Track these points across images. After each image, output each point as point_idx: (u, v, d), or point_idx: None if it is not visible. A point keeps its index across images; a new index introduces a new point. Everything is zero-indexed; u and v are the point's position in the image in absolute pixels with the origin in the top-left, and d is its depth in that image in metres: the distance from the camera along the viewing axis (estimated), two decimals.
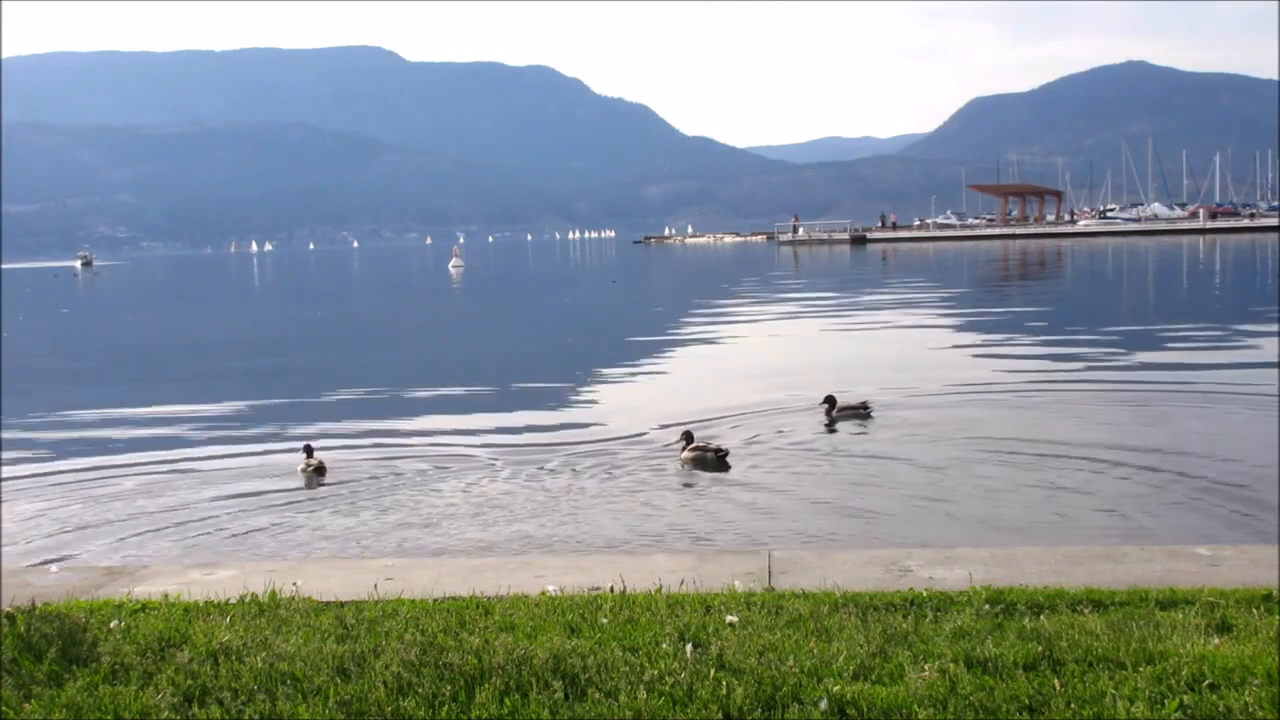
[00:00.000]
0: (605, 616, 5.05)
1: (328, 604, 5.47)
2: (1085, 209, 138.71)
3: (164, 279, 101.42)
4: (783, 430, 12.87)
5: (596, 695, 4.06)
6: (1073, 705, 3.89)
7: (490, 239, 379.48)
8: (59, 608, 5.43)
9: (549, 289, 55.08)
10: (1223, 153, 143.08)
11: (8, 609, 5.16)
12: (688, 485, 10.41)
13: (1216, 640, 4.52)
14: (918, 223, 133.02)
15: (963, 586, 5.48)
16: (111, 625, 5.09)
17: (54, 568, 7.17)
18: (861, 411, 13.38)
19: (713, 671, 4.24)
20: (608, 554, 7.77)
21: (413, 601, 5.48)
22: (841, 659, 4.37)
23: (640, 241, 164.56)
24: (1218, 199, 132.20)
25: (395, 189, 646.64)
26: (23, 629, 4.84)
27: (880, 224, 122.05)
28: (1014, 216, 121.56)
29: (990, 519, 8.89)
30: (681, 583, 5.77)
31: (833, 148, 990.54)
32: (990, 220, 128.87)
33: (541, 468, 11.25)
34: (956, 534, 8.38)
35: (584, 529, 8.94)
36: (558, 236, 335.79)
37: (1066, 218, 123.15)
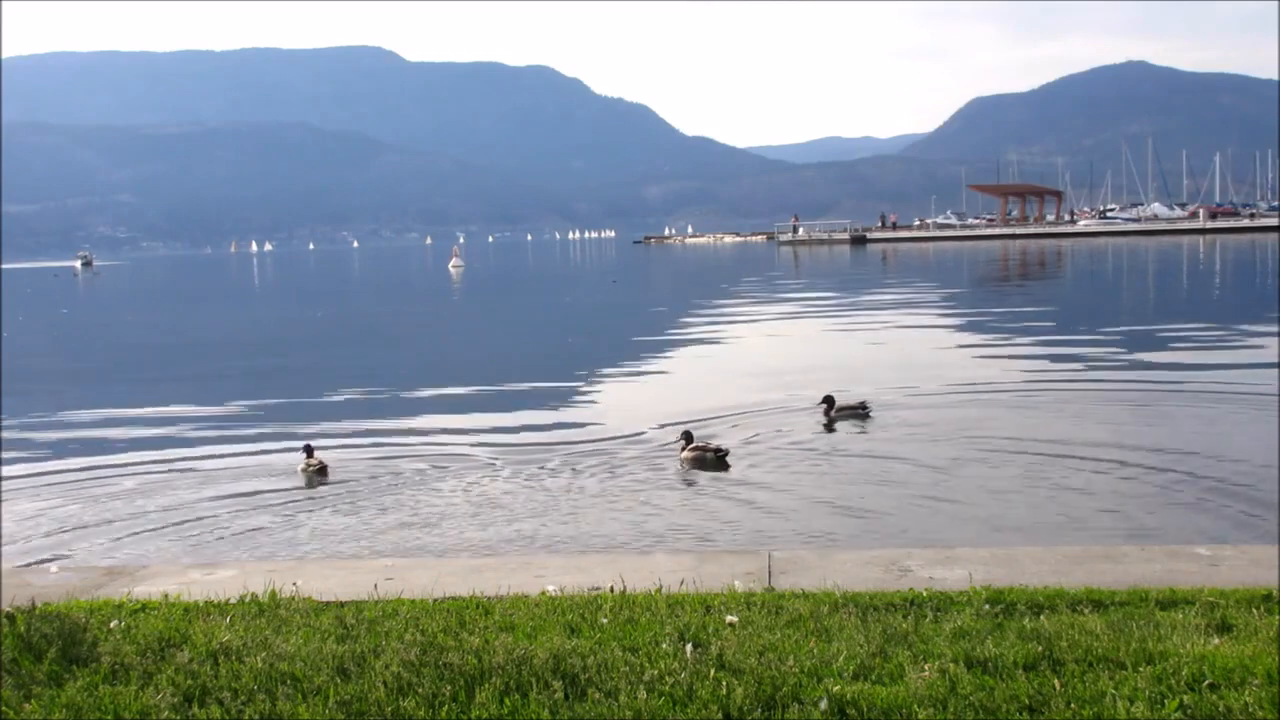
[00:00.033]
0: (605, 616, 5.05)
1: (328, 604, 5.47)
2: (1085, 209, 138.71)
3: (164, 279, 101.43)
4: (782, 430, 12.87)
5: (596, 695, 4.06)
6: (1073, 705, 3.89)
7: (490, 239, 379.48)
8: (59, 608, 5.43)
9: (549, 289, 55.08)
10: (1223, 153, 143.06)
11: (8, 609, 5.16)
12: (687, 485, 10.41)
13: (1216, 640, 4.52)
14: (918, 223, 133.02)
15: (963, 586, 5.48)
16: (111, 625, 5.09)
17: (54, 568, 7.17)
18: (860, 411, 13.39)
19: (713, 671, 4.24)
20: (608, 554, 7.77)
21: (413, 601, 5.48)
22: (841, 659, 4.37)
23: (640, 241, 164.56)
24: (1218, 199, 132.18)
25: (395, 189, 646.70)
26: (23, 629, 4.84)
27: (880, 224, 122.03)
28: (1014, 216, 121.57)
29: (990, 519, 8.89)
30: (681, 583, 5.77)
31: (833, 148, 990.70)
32: (990, 220, 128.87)
33: (541, 467, 11.26)
34: (956, 534, 8.38)
35: (584, 529, 8.94)
36: (558, 236, 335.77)
37: (1066, 218, 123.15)
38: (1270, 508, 8.76)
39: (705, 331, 26.79)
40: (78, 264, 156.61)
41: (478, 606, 5.34)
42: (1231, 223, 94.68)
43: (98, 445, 13.63)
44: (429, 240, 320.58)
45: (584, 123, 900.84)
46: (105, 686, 4.28)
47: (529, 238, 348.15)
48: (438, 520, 9.34)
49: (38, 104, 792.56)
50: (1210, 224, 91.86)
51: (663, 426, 13.06)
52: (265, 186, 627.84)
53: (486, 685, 4.15)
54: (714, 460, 11.10)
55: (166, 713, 4.03)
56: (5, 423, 15.43)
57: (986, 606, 5.07)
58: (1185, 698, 3.91)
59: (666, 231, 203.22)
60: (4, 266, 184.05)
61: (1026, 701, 3.94)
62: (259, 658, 4.51)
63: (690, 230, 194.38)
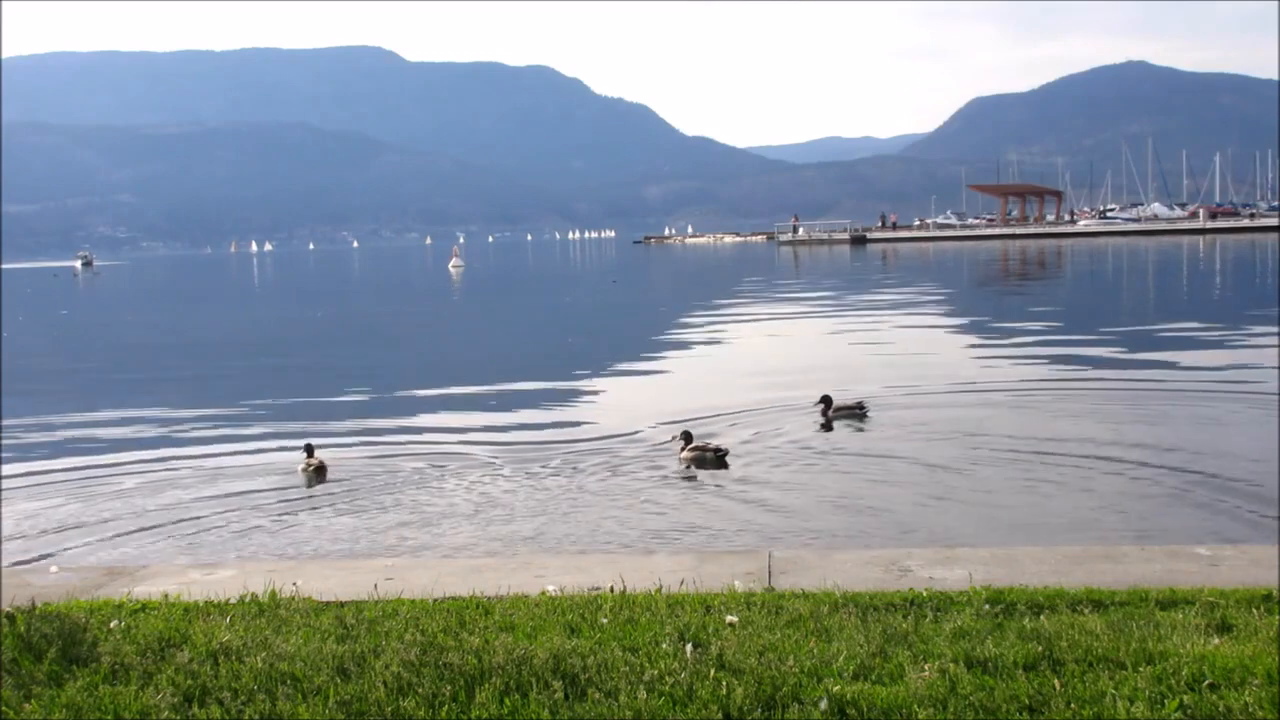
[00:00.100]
0: (605, 616, 5.05)
1: (328, 604, 5.48)
2: (1085, 209, 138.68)
3: (164, 279, 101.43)
4: (780, 430, 12.88)
5: (596, 695, 4.06)
6: (1073, 705, 3.89)
7: (490, 239, 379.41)
8: (59, 608, 5.43)
9: (549, 289, 55.09)
10: (1223, 153, 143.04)
11: (8, 609, 5.16)
12: (687, 484, 10.41)
13: (1216, 640, 4.53)
14: (918, 223, 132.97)
15: (963, 586, 5.48)
16: (111, 625, 5.09)
17: (54, 568, 7.16)
18: (858, 411, 13.40)
19: (713, 671, 4.24)
20: (608, 554, 7.77)
21: (413, 601, 5.48)
22: (841, 659, 4.37)
23: (640, 241, 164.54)
24: (1218, 199, 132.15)
25: (395, 189, 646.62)
26: (23, 629, 4.84)
27: (880, 224, 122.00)
28: (1014, 216, 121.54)
29: (989, 518, 8.89)
30: (681, 583, 5.77)
31: (833, 148, 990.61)
32: (990, 220, 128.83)
33: (542, 467, 11.26)
34: (956, 533, 8.38)
35: (584, 528, 8.94)
36: (558, 236, 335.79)
37: (1066, 218, 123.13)
38: (1270, 506, 8.76)
39: (705, 331, 26.79)
40: (78, 264, 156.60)
41: (478, 606, 5.34)
42: (1231, 223, 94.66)
43: (97, 445, 13.63)
44: (429, 240, 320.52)
45: (584, 123, 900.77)
46: (105, 686, 4.28)
47: (529, 238, 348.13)
48: (438, 520, 9.34)
49: (38, 104, 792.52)
50: (1210, 224, 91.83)
51: (660, 424, 13.06)
52: (265, 186, 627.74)
53: (486, 685, 4.15)
54: (713, 460, 11.11)
55: (166, 713, 4.03)
56: (5, 423, 15.43)
57: (986, 606, 5.07)
58: (1185, 698, 3.91)
59: (666, 231, 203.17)
60: (4, 266, 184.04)
61: (1026, 701, 3.94)
62: (259, 658, 4.51)
63: (690, 230, 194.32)
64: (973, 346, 22.04)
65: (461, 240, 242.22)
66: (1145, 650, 4.37)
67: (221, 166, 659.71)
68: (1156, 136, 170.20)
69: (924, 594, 5.31)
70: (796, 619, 4.96)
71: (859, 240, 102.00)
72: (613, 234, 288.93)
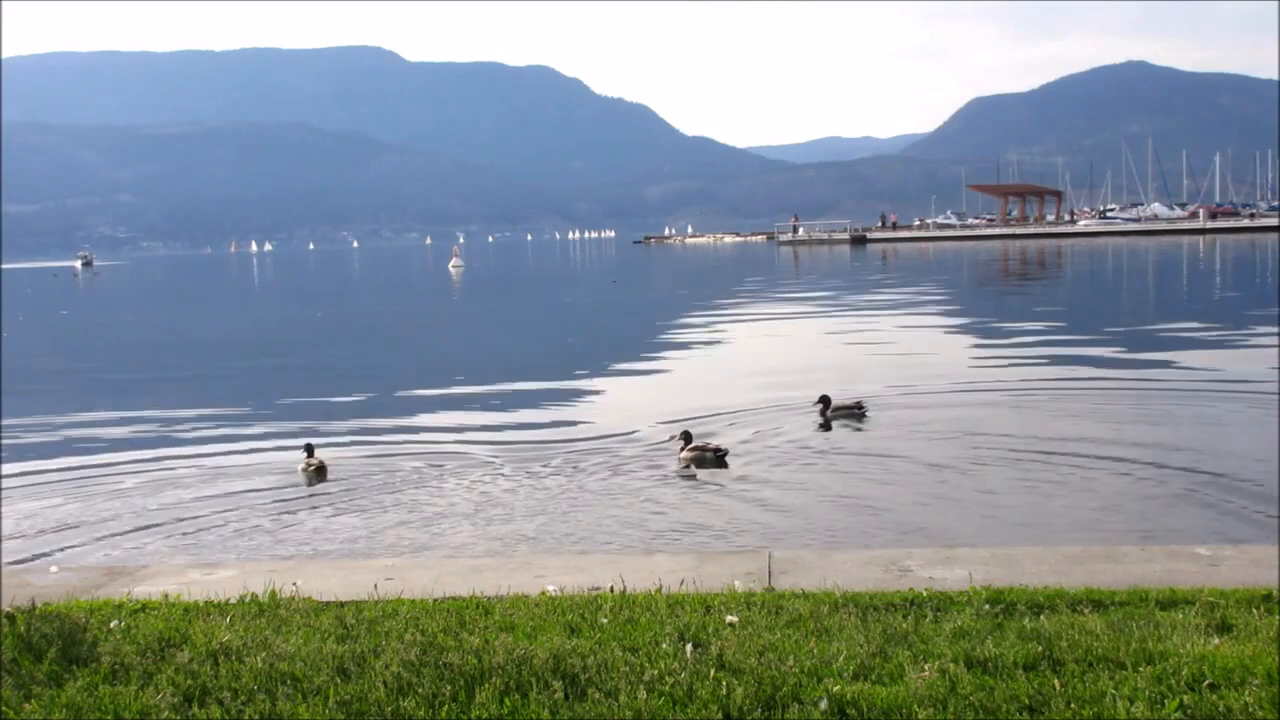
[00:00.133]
0: (605, 616, 5.05)
1: (328, 604, 5.47)
2: (1085, 209, 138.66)
3: (164, 279, 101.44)
4: (779, 430, 12.88)
5: (596, 695, 4.06)
6: (1073, 705, 3.89)
7: (490, 239, 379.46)
8: (59, 608, 5.43)
9: (549, 289, 55.09)
10: (1223, 153, 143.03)
11: (8, 609, 5.16)
12: (687, 484, 10.41)
13: (1216, 640, 4.52)
14: (918, 223, 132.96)
15: (963, 586, 5.48)
16: (111, 625, 5.09)
17: (54, 568, 7.16)
18: (856, 411, 13.40)
19: (713, 671, 4.24)
20: (607, 554, 7.77)
21: (413, 601, 5.48)
22: (841, 659, 4.37)
23: (640, 241, 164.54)
24: (1218, 199, 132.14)
25: (395, 189, 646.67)
26: (23, 629, 4.84)
27: (880, 224, 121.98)
28: (1014, 216, 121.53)
29: (990, 518, 8.89)
30: (681, 583, 5.77)
31: (833, 148, 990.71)
32: (990, 220, 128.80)
33: (542, 466, 11.26)
34: (956, 533, 8.38)
35: (584, 528, 8.94)
36: (558, 236, 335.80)
37: (1066, 218, 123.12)
38: (1271, 506, 8.76)
39: (705, 331, 26.79)
40: (78, 264, 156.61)
41: (478, 606, 5.34)
42: (1231, 223, 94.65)
43: (97, 445, 13.63)
44: (429, 240, 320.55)
45: (584, 123, 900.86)
46: (105, 686, 4.28)
47: (529, 238, 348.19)
48: (437, 520, 9.34)
49: (38, 104, 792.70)
50: (1210, 224, 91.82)
51: (660, 423, 13.06)
52: (265, 186, 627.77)
53: (486, 685, 4.15)
54: (713, 459, 11.11)
55: (166, 713, 4.03)
56: (5, 423, 15.43)
57: (986, 606, 5.07)
58: (1185, 698, 3.91)
59: (666, 231, 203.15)
60: (4, 266, 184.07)
61: (1026, 701, 3.94)
62: (259, 658, 4.51)
63: (690, 230, 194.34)
64: (972, 346, 22.03)
65: (461, 240, 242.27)
66: (1145, 650, 4.37)
67: (221, 166, 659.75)
68: (1156, 136, 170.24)
69: (924, 594, 5.31)
70: (796, 619, 4.96)
71: (859, 240, 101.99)
72: (613, 234, 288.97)
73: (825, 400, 13.36)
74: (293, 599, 5.56)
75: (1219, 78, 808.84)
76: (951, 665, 4.25)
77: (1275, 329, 21.78)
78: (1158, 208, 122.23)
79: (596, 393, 17.32)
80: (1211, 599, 5.12)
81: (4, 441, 13.91)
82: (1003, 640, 4.55)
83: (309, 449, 11.39)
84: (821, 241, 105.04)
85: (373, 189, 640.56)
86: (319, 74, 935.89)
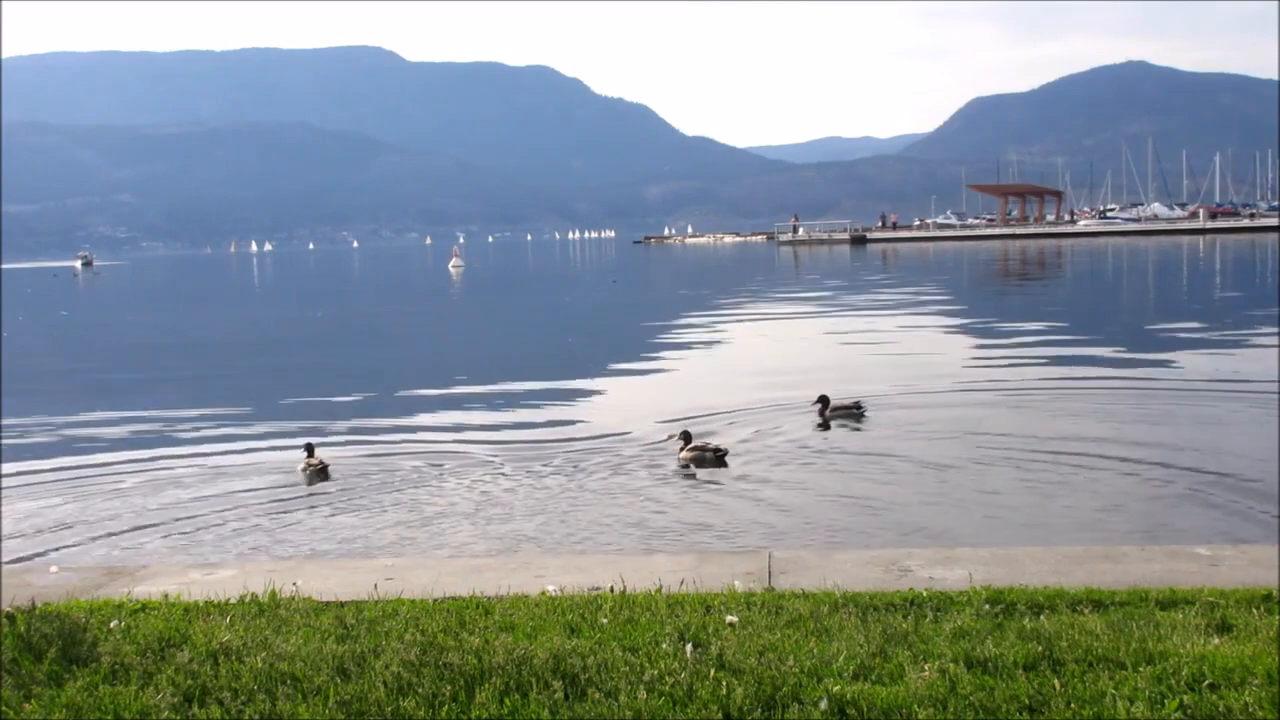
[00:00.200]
0: (605, 616, 5.05)
1: (328, 604, 5.47)
2: (1085, 209, 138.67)
3: (164, 279, 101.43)
4: (779, 429, 12.89)
5: (596, 695, 4.06)
6: (1073, 705, 3.89)
7: (490, 239, 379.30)
8: (59, 608, 5.43)
9: (549, 289, 55.08)
10: (1223, 153, 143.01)
11: (8, 609, 5.16)
12: (687, 484, 10.41)
13: (1216, 640, 4.52)
14: (918, 223, 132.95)
15: (963, 586, 5.48)
16: (111, 625, 5.09)
17: (54, 568, 7.16)
18: (855, 411, 13.41)
19: (713, 671, 4.23)
20: (607, 554, 7.77)
21: (413, 601, 5.48)
22: (841, 659, 4.36)
23: (640, 241, 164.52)
24: (1218, 199, 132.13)
25: (395, 189, 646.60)
26: (23, 629, 4.84)
27: (880, 224, 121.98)
28: (1014, 216, 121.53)
29: (989, 518, 8.89)
30: (681, 583, 5.77)
31: (833, 148, 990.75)
32: (990, 220, 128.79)
33: (542, 466, 11.26)
34: (956, 533, 8.38)
35: (584, 528, 8.94)
36: (557, 236, 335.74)
37: (1066, 218, 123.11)
38: (1271, 506, 8.76)
39: (704, 331, 26.79)
40: (78, 264, 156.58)
41: (478, 606, 5.34)
42: (1231, 223, 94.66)
43: (97, 445, 13.63)
44: (429, 240, 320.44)
45: (584, 123, 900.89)
46: (105, 686, 4.28)
47: (529, 238, 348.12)
48: (438, 520, 9.34)
49: (38, 104, 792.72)
50: (1210, 224, 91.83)
51: (660, 423, 13.06)
52: (265, 186, 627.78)
53: (486, 685, 4.15)
54: (713, 459, 11.11)
55: (166, 713, 4.03)
56: (5, 423, 15.43)
57: (986, 606, 5.07)
58: (1185, 698, 3.91)
59: (666, 231, 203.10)
60: (4, 266, 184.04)
61: (1026, 701, 3.94)
62: (259, 658, 4.51)
63: (690, 230, 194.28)
64: (972, 346, 22.03)
65: (461, 240, 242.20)
66: (1145, 650, 4.37)
67: (221, 166, 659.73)
68: (1156, 136, 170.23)
69: (924, 594, 5.31)
70: (796, 619, 4.96)
71: (859, 240, 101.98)
72: (613, 234, 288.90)
73: (824, 400, 13.36)
74: (293, 599, 5.56)
75: (1219, 78, 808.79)
76: (951, 665, 4.25)
77: (1275, 329, 21.78)
78: (1158, 208, 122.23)
79: (596, 393, 17.33)
80: (1211, 599, 5.12)
81: (4, 441, 13.91)
82: (1003, 640, 4.54)
83: (309, 448, 11.39)
84: (821, 241, 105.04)
85: (373, 189, 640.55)
86: (319, 74, 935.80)
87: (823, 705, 3.92)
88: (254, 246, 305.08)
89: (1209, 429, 12.06)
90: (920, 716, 3.83)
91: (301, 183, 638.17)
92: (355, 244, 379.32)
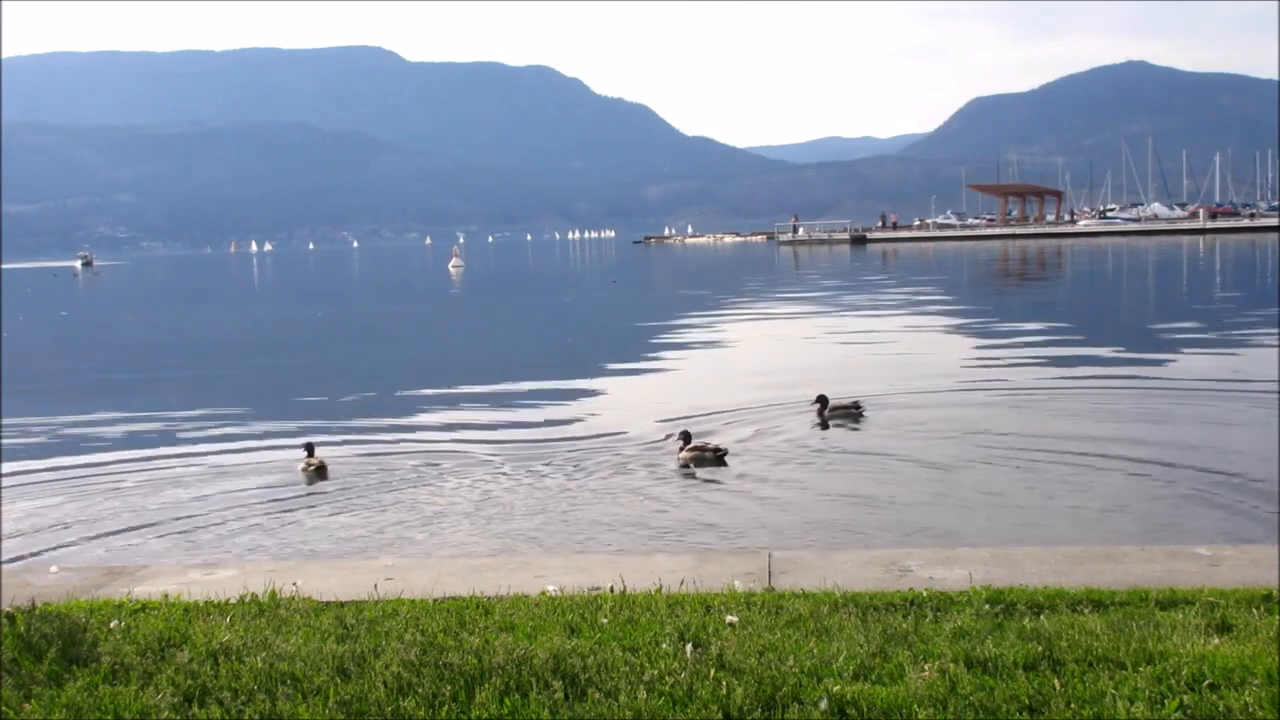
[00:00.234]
0: (605, 616, 5.05)
1: (328, 604, 5.47)
2: (1085, 209, 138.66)
3: (164, 279, 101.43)
4: (779, 429, 12.89)
5: (596, 695, 4.06)
6: (1073, 705, 3.89)
7: (490, 239, 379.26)
8: (59, 608, 5.43)
9: (549, 289, 55.08)
10: (1223, 153, 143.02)
11: (8, 609, 5.16)
12: (686, 483, 10.41)
13: (1216, 640, 4.52)
14: (918, 223, 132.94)
15: (963, 586, 5.48)
16: (111, 625, 5.08)
17: (54, 568, 7.16)
18: (853, 411, 13.41)
19: (713, 671, 4.23)
20: (607, 554, 7.77)
21: (413, 601, 5.48)
22: (841, 659, 4.36)
23: (640, 241, 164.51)
24: (1218, 199, 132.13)
25: (395, 189, 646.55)
26: (23, 629, 4.84)
27: (880, 224, 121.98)
28: (1014, 216, 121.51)
29: (990, 518, 8.89)
30: (681, 583, 5.77)
31: (833, 148, 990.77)
32: (990, 220, 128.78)
33: (543, 465, 11.26)
34: (956, 533, 8.38)
35: (584, 528, 8.94)
36: (557, 236, 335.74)
37: (1066, 218, 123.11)
38: (1272, 506, 8.76)
39: (704, 331, 26.79)
40: (78, 264, 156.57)
41: (478, 606, 5.34)
42: (1231, 223, 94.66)
43: (97, 444, 13.63)
44: (429, 240, 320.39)
45: (584, 123, 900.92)
46: (105, 686, 4.28)
47: (529, 238, 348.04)
48: (438, 520, 9.34)
49: (38, 104, 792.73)
50: (1210, 224, 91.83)
51: (661, 423, 13.06)
52: (265, 186, 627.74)
53: (486, 685, 4.15)
54: (712, 459, 11.11)
55: (166, 713, 4.03)
56: (5, 423, 15.43)
57: (986, 606, 5.07)
58: (1185, 698, 3.91)
59: (666, 231, 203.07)
60: (4, 266, 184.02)
61: (1026, 701, 3.94)
62: (259, 658, 4.51)
63: (690, 230, 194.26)
64: (972, 346, 22.03)
65: (461, 240, 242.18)
66: (1145, 650, 4.37)
67: (221, 166, 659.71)
68: (1156, 136, 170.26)
69: (924, 594, 5.31)
70: (796, 619, 4.96)
71: (859, 240, 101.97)
72: (613, 234, 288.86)
73: (823, 400, 13.36)
74: (293, 599, 5.56)
75: (1219, 78, 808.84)
76: (951, 665, 4.25)
77: (1275, 329, 21.78)
78: (1158, 208, 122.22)
79: (596, 392, 17.32)
80: (1211, 599, 5.12)
81: (4, 441, 13.91)
82: (1003, 640, 4.54)
83: (309, 448, 11.39)
84: (821, 241, 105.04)
85: (373, 189, 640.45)
86: (319, 74, 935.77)
87: (823, 705, 3.92)
88: (254, 246, 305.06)
89: (1209, 429, 12.06)
90: (920, 716, 3.83)
91: (301, 183, 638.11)
92: (355, 244, 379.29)
